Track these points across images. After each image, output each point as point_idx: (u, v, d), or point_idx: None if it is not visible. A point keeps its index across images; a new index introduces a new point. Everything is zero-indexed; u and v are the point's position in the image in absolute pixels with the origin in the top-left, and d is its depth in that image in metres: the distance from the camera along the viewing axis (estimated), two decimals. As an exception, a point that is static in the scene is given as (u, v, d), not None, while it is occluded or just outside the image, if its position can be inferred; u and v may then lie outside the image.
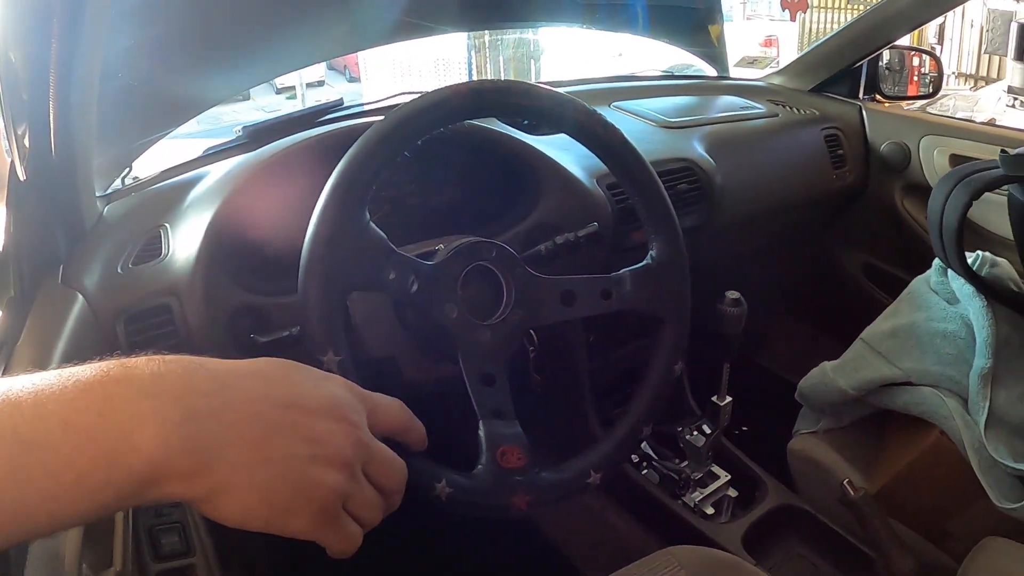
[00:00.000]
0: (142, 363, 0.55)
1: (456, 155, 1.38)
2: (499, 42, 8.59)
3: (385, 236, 0.98)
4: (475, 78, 8.81)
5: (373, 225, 0.98)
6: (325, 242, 0.95)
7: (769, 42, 10.00)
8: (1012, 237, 1.62)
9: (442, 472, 0.95)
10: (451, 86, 1.05)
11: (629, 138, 1.16)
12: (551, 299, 1.08)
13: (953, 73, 11.19)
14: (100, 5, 1.04)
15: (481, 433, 0.98)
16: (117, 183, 1.45)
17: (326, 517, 0.61)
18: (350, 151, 1.00)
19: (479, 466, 0.97)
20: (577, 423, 1.67)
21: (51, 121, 1.07)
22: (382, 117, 1.05)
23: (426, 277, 0.99)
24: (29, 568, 0.71)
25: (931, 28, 9.67)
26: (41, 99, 1.05)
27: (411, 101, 1.03)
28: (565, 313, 1.09)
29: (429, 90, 1.05)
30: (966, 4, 2.52)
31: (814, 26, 11.46)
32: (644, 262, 1.15)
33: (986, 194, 1.53)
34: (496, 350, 1.03)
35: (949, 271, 1.63)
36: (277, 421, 0.59)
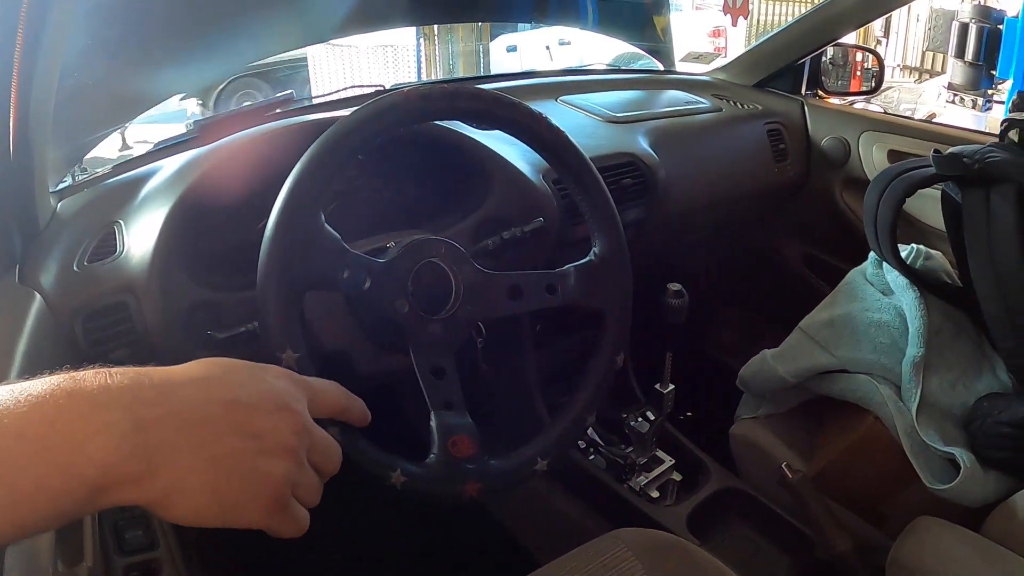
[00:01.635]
0: (90, 376, 0.57)
1: (406, 150, 1.39)
2: (448, 31, 8.56)
3: (339, 236, 1.00)
4: (423, 67, 8.73)
5: (328, 227, 1.00)
6: (281, 245, 0.97)
7: (717, 32, 10.07)
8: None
9: (396, 461, 0.97)
10: (400, 91, 1.07)
11: (573, 136, 1.18)
12: (498, 294, 1.10)
13: (898, 66, 11.35)
14: (65, 6, 1.04)
15: (432, 424, 1.00)
16: (68, 178, 1.43)
17: (277, 506, 0.64)
18: (303, 159, 1.01)
19: (431, 455, 1.00)
20: (524, 411, 1.69)
21: (11, 123, 1.06)
22: (332, 113, 1.06)
23: (378, 274, 1.01)
24: (7, 566, 0.73)
25: (878, 22, 9.79)
26: (1, 102, 1.04)
27: (362, 108, 1.04)
28: (512, 307, 1.12)
29: (379, 91, 1.06)
30: (912, 1, 2.58)
31: (762, 18, 11.57)
32: (587, 258, 1.17)
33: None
34: (446, 343, 1.06)
35: (884, 263, 1.68)
36: (221, 421, 0.61)
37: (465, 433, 1.01)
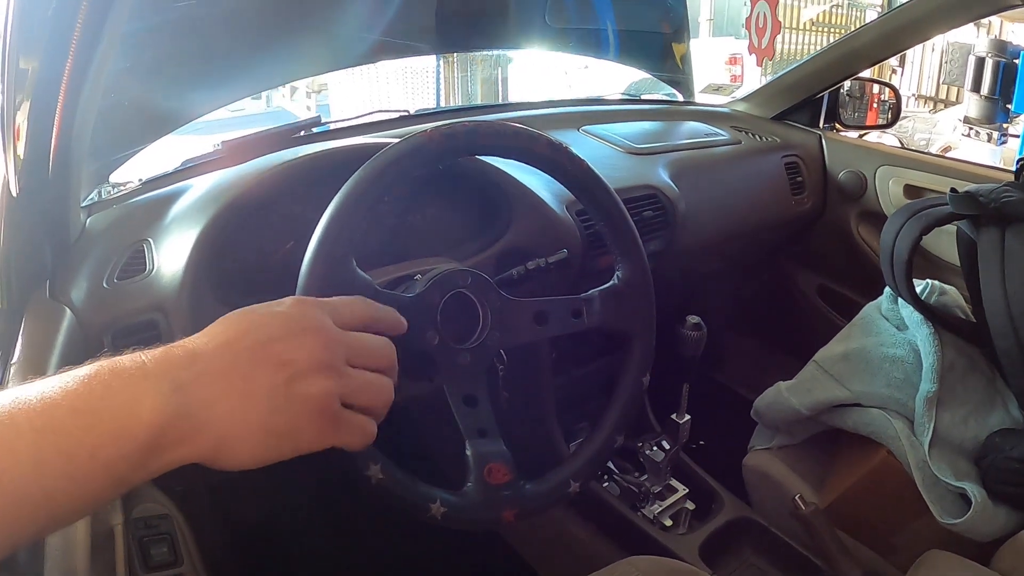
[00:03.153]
0: (126, 358, 0.62)
1: (432, 177, 1.42)
2: (469, 58, 8.56)
3: (370, 279, 1.01)
4: (443, 91, 8.72)
5: (359, 272, 1.00)
6: (316, 295, 0.96)
7: (734, 60, 10.06)
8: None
9: (436, 493, 0.99)
10: (424, 133, 1.07)
11: (596, 167, 1.20)
12: (525, 320, 1.11)
13: (913, 95, 11.33)
14: (116, 26, 1.05)
15: (468, 452, 1.02)
16: (94, 194, 1.44)
17: (328, 422, 0.67)
18: (330, 209, 1.01)
19: (468, 484, 1.01)
20: (541, 437, 1.70)
21: (52, 142, 1.08)
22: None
23: (408, 310, 1.00)
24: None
25: (892, 51, 9.77)
26: (46, 114, 1.06)
27: (386, 151, 1.05)
28: (539, 333, 1.13)
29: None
30: (931, 38, 2.60)
31: (778, 47, 11.59)
32: (611, 282, 1.19)
33: (937, 225, 1.60)
34: (476, 371, 1.07)
35: (899, 299, 1.70)
36: (247, 362, 0.64)
37: (500, 460, 1.03)
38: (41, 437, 0.55)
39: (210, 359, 0.64)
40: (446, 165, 1.12)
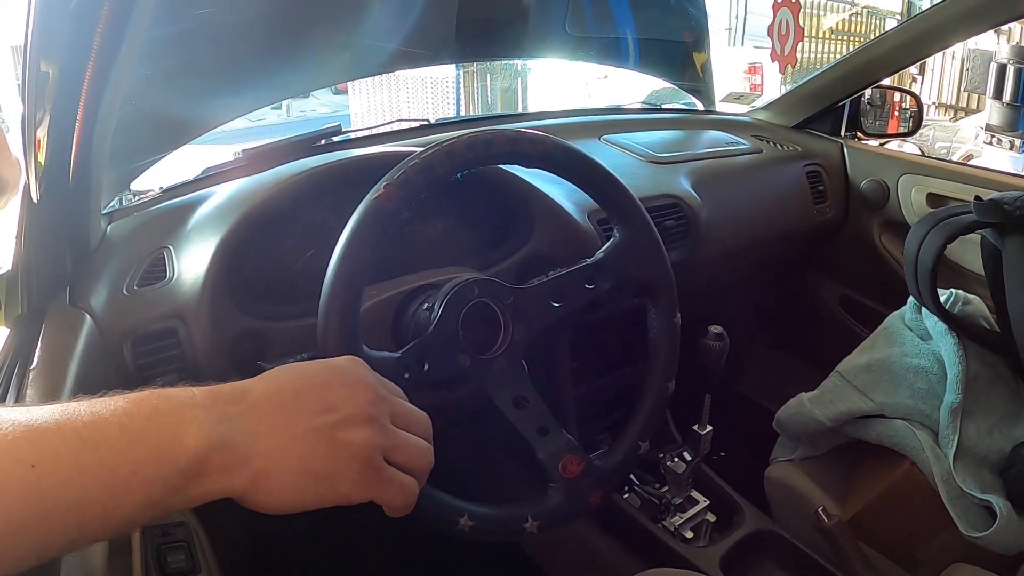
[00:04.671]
0: (177, 388, 0.63)
1: (453, 186, 1.41)
2: (488, 67, 8.60)
3: (386, 353, 1.00)
4: (462, 100, 8.77)
5: (372, 352, 0.99)
6: None
7: (754, 69, 10.06)
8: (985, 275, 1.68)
9: (525, 510, 1.02)
10: (442, 146, 1.07)
11: (619, 176, 1.21)
12: (543, 304, 1.12)
13: (934, 103, 11.29)
14: (136, 33, 1.05)
15: (539, 456, 1.04)
16: (116, 201, 1.45)
17: (370, 472, 0.67)
18: (341, 251, 0.99)
19: (550, 486, 1.04)
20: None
21: (73, 149, 1.09)
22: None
23: (431, 348, 1.01)
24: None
25: (913, 59, 9.74)
26: (67, 121, 1.06)
27: (404, 170, 1.03)
28: (559, 311, 1.13)
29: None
30: (951, 45, 2.58)
31: (797, 54, 11.57)
32: (613, 240, 1.20)
33: (962, 234, 1.58)
34: (515, 372, 1.07)
35: (923, 308, 1.68)
36: (295, 404, 0.66)
37: (570, 453, 1.05)
38: (86, 447, 0.56)
39: (259, 398, 0.65)
40: (471, 175, 1.12)
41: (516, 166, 1.28)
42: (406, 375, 0.98)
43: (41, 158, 1.08)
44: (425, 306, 1.09)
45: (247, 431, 0.63)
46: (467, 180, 1.16)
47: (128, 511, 0.58)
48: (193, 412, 0.61)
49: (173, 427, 0.60)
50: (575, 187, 1.22)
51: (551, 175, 1.20)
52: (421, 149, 1.07)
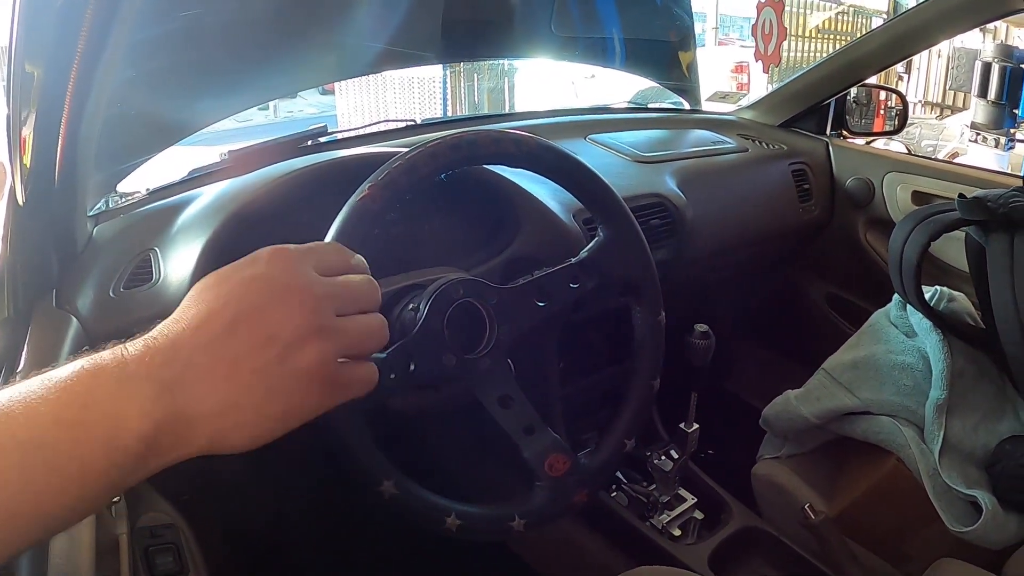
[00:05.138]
0: (107, 355, 0.59)
1: (439, 186, 1.41)
2: (475, 67, 8.60)
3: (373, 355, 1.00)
4: (449, 101, 8.75)
5: None
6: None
7: (740, 68, 10.10)
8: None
9: (511, 510, 1.02)
10: (426, 147, 1.07)
11: (604, 176, 1.21)
12: (527, 303, 1.11)
13: (920, 102, 11.34)
14: (120, 34, 1.05)
15: (525, 456, 1.03)
16: (102, 203, 1.44)
17: (328, 384, 0.64)
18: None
19: (536, 485, 1.04)
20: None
21: (58, 152, 1.08)
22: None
23: (417, 348, 1.00)
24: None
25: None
26: (52, 123, 1.06)
27: (388, 171, 1.03)
28: (545, 311, 1.12)
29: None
30: (936, 44, 2.60)
31: (785, 54, 11.60)
32: (597, 239, 1.20)
33: (946, 231, 1.59)
34: (501, 372, 1.07)
35: (908, 306, 1.69)
36: (231, 347, 0.60)
37: (556, 451, 1.05)
38: (27, 452, 0.53)
39: (193, 349, 0.59)
40: (456, 175, 1.12)
41: (502, 167, 1.28)
42: (392, 375, 0.97)
43: (27, 160, 1.08)
44: (411, 307, 1.09)
45: (191, 397, 0.58)
46: (453, 181, 1.16)
47: (89, 501, 0.56)
48: (130, 388, 0.56)
49: (113, 413, 0.55)
50: (561, 187, 1.22)
51: (538, 176, 1.20)
52: (405, 150, 1.07)
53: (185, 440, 0.58)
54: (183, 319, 0.62)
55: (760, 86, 8.62)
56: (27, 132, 1.06)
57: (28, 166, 1.09)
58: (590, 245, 1.19)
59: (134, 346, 0.60)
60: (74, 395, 0.56)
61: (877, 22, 11.65)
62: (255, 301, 0.62)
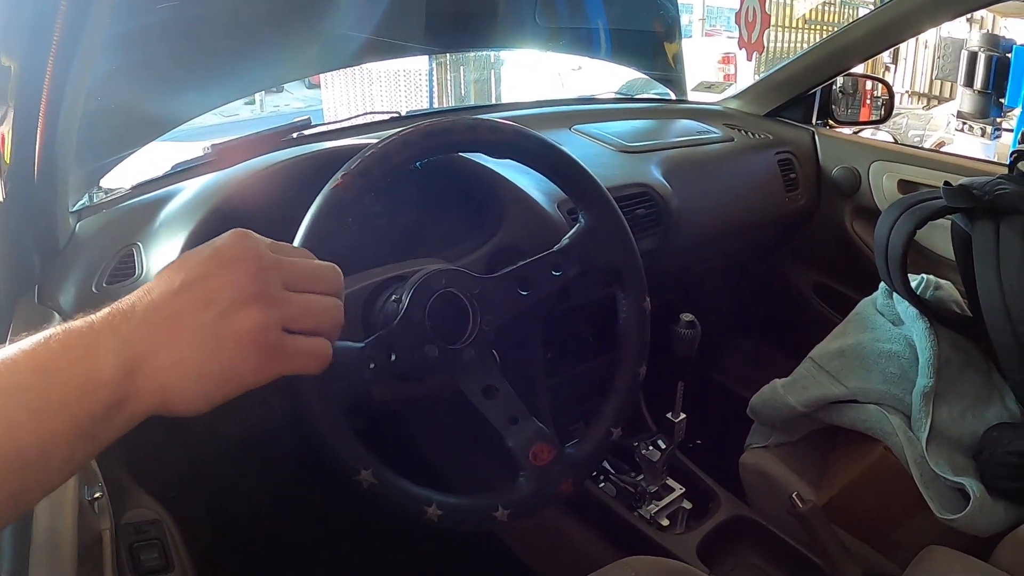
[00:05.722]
0: (77, 321, 0.62)
1: (422, 176, 1.41)
2: (461, 59, 8.59)
3: (350, 344, 0.98)
4: (435, 92, 8.73)
5: (336, 343, 0.98)
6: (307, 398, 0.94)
7: (727, 59, 10.10)
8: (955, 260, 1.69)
9: (495, 500, 1.01)
10: (399, 135, 1.06)
11: (588, 166, 1.20)
12: (510, 292, 1.11)
13: (907, 92, 11.37)
14: (96, 30, 1.04)
15: (509, 445, 1.03)
16: (85, 198, 1.44)
17: (268, 353, 0.65)
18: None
19: (521, 475, 1.03)
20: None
21: (37, 147, 1.08)
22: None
23: (398, 339, 1.00)
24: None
25: (885, 48, 9.82)
26: (30, 118, 1.05)
27: (361, 160, 1.03)
28: (527, 299, 1.12)
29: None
30: (921, 32, 2.60)
31: (771, 45, 11.62)
32: (578, 226, 1.19)
33: (932, 219, 1.60)
34: (484, 362, 1.06)
35: (894, 294, 1.69)
36: (177, 306, 0.63)
37: (540, 441, 1.05)
38: (9, 396, 0.57)
39: (146, 308, 0.63)
40: (438, 164, 1.11)
41: (487, 157, 1.28)
42: (371, 365, 0.97)
43: (6, 156, 1.08)
44: (393, 297, 1.08)
45: (145, 350, 0.61)
46: (436, 171, 1.16)
47: (65, 452, 0.58)
48: (97, 340, 0.60)
49: (86, 361, 0.59)
50: (545, 178, 1.22)
51: (523, 167, 1.20)
52: (379, 140, 1.07)
53: (143, 394, 0.61)
54: (145, 288, 0.65)
55: (747, 77, 8.62)
56: (5, 127, 1.05)
57: (7, 162, 1.08)
58: (571, 232, 1.18)
59: (100, 312, 0.63)
60: (50, 346, 0.59)
61: (863, 12, 11.66)
62: (204, 269, 0.64)
